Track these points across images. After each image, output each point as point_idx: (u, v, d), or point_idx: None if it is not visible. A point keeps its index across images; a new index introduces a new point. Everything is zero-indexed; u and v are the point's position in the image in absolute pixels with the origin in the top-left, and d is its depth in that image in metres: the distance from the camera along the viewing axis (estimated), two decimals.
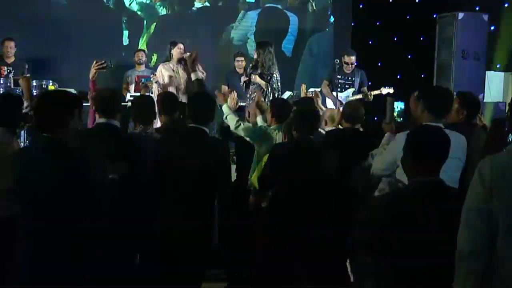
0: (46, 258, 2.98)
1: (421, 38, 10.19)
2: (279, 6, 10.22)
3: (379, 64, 10.04)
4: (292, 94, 7.65)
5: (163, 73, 7.18)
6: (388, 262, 2.70)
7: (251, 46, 9.70)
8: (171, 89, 7.06)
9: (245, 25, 10.14)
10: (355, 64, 8.01)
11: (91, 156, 3.07)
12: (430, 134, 2.81)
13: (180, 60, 7.25)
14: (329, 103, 8.10)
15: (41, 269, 2.98)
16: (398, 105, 4.11)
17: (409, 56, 10.30)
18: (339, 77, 7.88)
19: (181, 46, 7.35)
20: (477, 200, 2.41)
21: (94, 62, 5.14)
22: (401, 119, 4.10)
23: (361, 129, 4.79)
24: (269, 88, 7.19)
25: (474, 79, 8.80)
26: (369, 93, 7.82)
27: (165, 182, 3.89)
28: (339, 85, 7.85)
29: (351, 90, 7.87)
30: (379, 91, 7.88)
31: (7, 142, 3.95)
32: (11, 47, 7.94)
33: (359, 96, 7.84)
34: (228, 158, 4.10)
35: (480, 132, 4.47)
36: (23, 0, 9.35)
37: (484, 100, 8.78)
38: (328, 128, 5.21)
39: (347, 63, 7.91)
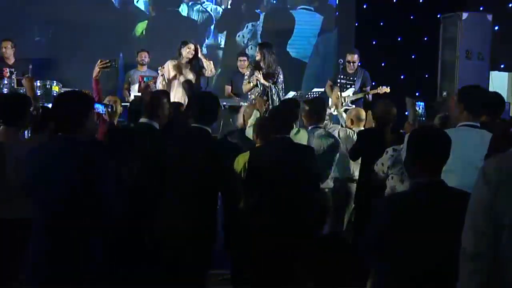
0: (59, 257, 3.00)
1: (425, 38, 10.18)
2: (288, 6, 10.22)
3: (382, 64, 10.04)
4: (296, 94, 7.65)
5: (169, 68, 7.26)
6: (390, 262, 2.69)
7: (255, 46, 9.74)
8: (176, 86, 7.09)
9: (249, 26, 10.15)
10: (358, 63, 8.01)
11: (106, 156, 3.10)
12: (430, 135, 2.82)
13: (191, 60, 7.30)
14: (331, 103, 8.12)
15: (52, 269, 3.00)
16: (420, 105, 4.12)
17: (412, 56, 10.29)
18: (342, 77, 8.01)
19: (191, 46, 7.38)
20: (482, 200, 2.40)
21: (99, 61, 5.14)
22: (423, 119, 4.11)
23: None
24: (274, 89, 7.26)
25: (478, 79, 8.76)
26: (367, 93, 7.87)
27: (166, 181, 3.89)
28: (341, 85, 7.95)
29: (351, 90, 7.89)
30: (376, 90, 7.92)
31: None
32: (7, 47, 7.91)
33: (359, 95, 7.86)
34: (230, 159, 4.08)
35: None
36: (26, 0, 9.35)
37: None
38: (356, 128, 5.19)
39: (349, 62, 7.97)
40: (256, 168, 4.11)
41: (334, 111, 6.99)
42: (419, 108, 4.10)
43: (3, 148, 3.79)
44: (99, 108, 4.74)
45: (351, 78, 7.99)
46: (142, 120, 4.44)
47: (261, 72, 7.31)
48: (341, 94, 7.68)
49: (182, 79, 7.34)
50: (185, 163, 3.83)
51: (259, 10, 10.15)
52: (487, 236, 2.36)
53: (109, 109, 4.76)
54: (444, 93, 8.94)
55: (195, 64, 7.42)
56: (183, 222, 3.79)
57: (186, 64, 7.40)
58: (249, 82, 7.46)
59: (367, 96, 7.86)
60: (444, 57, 9.31)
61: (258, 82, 7.33)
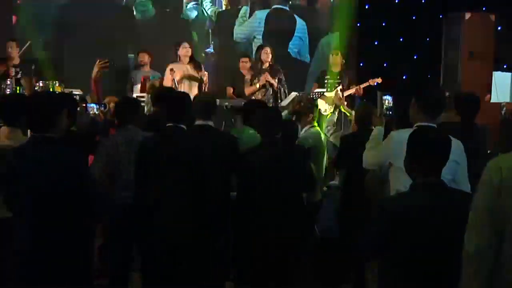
0: (41, 256, 3.02)
1: (427, 39, 10.17)
2: (287, 8, 10.21)
3: (385, 65, 10.02)
4: (297, 94, 7.65)
5: (175, 71, 7.25)
6: (392, 264, 2.69)
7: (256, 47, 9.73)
8: (184, 88, 7.09)
9: (252, 25, 10.13)
10: (342, 62, 8.09)
11: (82, 153, 3.21)
12: (430, 136, 2.81)
13: (191, 59, 7.31)
14: (321, 104, 8.16)
15: (36, 269, 3.02)
16: (387, 99, 4.13)
17: (415, 57, 10.28)
18: (328, 77, 8.12)
19: (186, 44, 7.37)
20: (485, 200, 2.40)
21: (97, 61, 5.15)
22: (390, 112, 4.12)
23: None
24: (281, 88, 7.37)
25: (481, 79, 8.76)
26: (358, 87, 7.90)
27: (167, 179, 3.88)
28: (328, 85, 8.05)
29: (339, 89, 7.92)
30: (367, 83, 7.97)
31: None
32: (12, 47, 7.94)
33: (352, 91, 7.89)
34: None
35: (480, 132, 4.50)
36: (31, 1, 9.37)
37: (491, 101, 8.74)
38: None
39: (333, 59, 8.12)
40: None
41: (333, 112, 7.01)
42: (387, 102, 4.11)
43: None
44: (94, 107, 4.76)
45: (338, 77, 8.04)
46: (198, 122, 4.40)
47: (268, 73, 7.37)
48: (343, 94, 7.69)
49: (186, 81, 7.32)
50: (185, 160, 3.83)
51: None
52: (489, 236, 2.36)
53: (102, 108, 4.77)
54: (447, 94, 8.91)
55: (195, 61, 7.43)
56: (187, 220, 3.79)
57: (188, 64, 7.39)
58: (251, 85, 7.47)
59: (359, 90, 7.89)
60: (447, 58, 9.30)
61: (264, 83, 7.35)
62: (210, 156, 3.90)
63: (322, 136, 5.31)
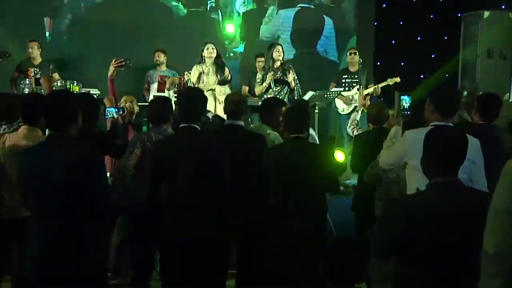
0: (55, 255, 3.03)
1: (445, 38, 10.10)
2: (312, 6, 10.21)
3: (402, 63, 9.97)
4: (314, 93, 7.64)
5: (194, 72, 7.32)
6: (407, 264, 2.67)
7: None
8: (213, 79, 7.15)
9: (276, 24, 10.14)
10: (360, 61, 8.08)
11: (98, 152, 3.20)
12: (447, 135, 2.80)
13: (215, 60, 7.35)
14: (339, 103, 8.14)
15: (48, 268, 3.03)
16: (404, 99, 4.11)
17: (433, 56, 10.21)
18: (345, 76, 8.15)
19: (209, 46, 7.42)
20: (504, 200, 2.38)
21: (113, 60, 5.15)
22: (408, 113, 4.11)
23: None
24: (295, 87, 7.41)
25: (499, 78, 8.69)
26: (376, 87, 7.90)
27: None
28: (346, 84, 8.05)
29: (357, 88, 7.90)
30: (385, 82, 7.97)
31: None
32: (33, 48, 8.05)
33: (370, 90, 7.89)
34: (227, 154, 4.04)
35: (497, 133, 4.47)
36: (49, 1, 9.46)
37: (510, 100, 8.66)
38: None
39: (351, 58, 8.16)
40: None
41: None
42: (405, 102, 4.09)
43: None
44: (112, 111, 4.75)
45: (356, 76, 8.00)
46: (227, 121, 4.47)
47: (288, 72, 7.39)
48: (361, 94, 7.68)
49: (203, 84, 7.36)
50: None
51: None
52: (509, 236, 2.34)
53: (121, 112, 4.76)
54: (465, 93, 8.85)
55: (218, 63, 7.45)
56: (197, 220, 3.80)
57: (211, 66, 7.42)
58: (261, 84, 7.48)
59: (377, 89, 7.90)
60: (465, 56, 9.23)
61: (271, 82, 7.35)
62: (223, 156, 3.86)
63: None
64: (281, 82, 7.45)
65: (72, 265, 3.01)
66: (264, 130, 4.65)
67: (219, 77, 7.40)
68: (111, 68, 5.16)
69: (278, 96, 7.17)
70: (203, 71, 7.38)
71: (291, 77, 7.39)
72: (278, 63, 7.52)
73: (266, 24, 10.13)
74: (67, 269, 3.01)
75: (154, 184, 3.85)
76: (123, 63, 5.16)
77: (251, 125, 6.91)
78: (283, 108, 4.70)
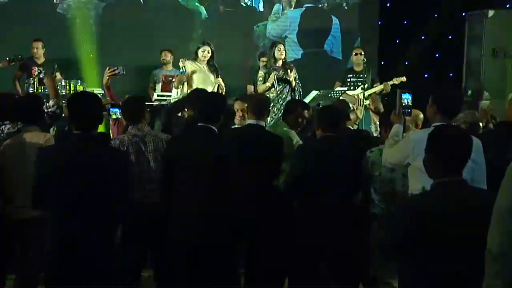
0: (73, 254, 3.07)
1: (450, 37, 10.08)
2: (322, 5, 10.24)
3: (406, 63, 9.96)
4: (318, 93, 7.63)
5: (186, 67, 7.23)
6: (413, 263, 2.67)
7: (289, 46, 9.80)
8: (197, 84, 7.09)
9: (283, 24, 10.15)
10: (364, 61, 8.05)
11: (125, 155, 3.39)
12: (450, 134, 2.79)
13: (208, 61, 7.31)
14: None
15: (68, 264, 3.08)
16: (406, 97, 4.11)
17: (437, 55, 10.19)
18: (350, 76, 8.17)
19: (206, 47, 7.39)
20: (508, 200, 2.37)
21: (107, 69, 5.19)
22: (409, 110, 4.10)
23: None
24: (296, 87, 7.41)
25: (504, 77, 8.66)
26: (386, 83, 7.96)
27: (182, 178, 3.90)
28: (351, 84, 8.06)
29: (361, 87, 7.90)
30: (392, 81, 8.01)
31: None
32: (38, 48, 8.07)
33: (377, 88, 7.91)
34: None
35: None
36: (53, 1, 9.49)
37: None
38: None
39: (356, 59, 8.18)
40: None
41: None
42: (406, 100, 4.09)
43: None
44: (117, 111, 4.77)
45: (361, 76, 8.01)
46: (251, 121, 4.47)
47: (290, 72, 7.39)
48: (364, 93, 7.68)
49: (201, 77, 7.32)
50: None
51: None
52: None
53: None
54: (469, 92, 8.84)
55: (212, 65, 7.42)
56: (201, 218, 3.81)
57: (205, 66, 7.40)
58: (263, 83, 7.48)
59: (387, 86, 7.93)
60: (470, 56, 9.20)
61: (274, 81, 7.36)
62: (235, 157, 3.88)
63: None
64: (283, 81, 7.46)
65: (105, 261, 3.10)
66: (281, 128, 4.82)
67: (215, 76, 7.39)
68: (106, 77, 5.20)
69: (280, 95, 7.19)
70: (200, 69, 7.34)
71: (292, 76, 7.40)
72: (280, 62, 7.52)
73: (273, 23, 10.14)
74: (84, 269, 3.08)
75: (167, 184, 3.86)
76: (117, 71, 5.20)
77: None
78: (305, 111, 4.92)
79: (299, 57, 9.67)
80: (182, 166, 3.81)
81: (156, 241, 4.00)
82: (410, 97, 4.10)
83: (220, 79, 7.37)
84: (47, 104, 4.60)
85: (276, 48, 7.52)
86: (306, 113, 4.93)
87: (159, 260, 4.11)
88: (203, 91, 5.10)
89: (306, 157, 4.21)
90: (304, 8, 10.14)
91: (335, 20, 10.17)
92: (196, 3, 9.94)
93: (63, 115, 4.86)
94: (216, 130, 3.90)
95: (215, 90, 7.20)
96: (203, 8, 9.97)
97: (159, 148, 4.07)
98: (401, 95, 4.09)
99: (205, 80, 7.24)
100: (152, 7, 9.84)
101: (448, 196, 2.66)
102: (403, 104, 4.08)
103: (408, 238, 2.65)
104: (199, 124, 3.89)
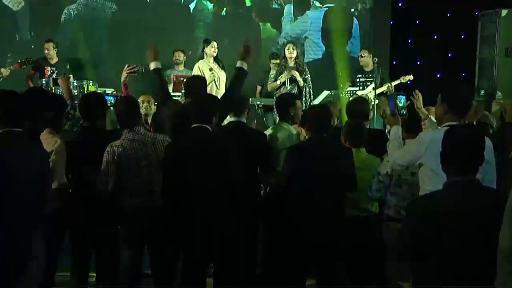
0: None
1: (462, 36, 10.02)
2: (339, 5, 10.25)
3: (418, 63, 9.91)
4: (329, 93, 7.64)
5: (201, 68, 7.29)
6: (429, 262, 2.66)
7: (309, 46, 9.90)
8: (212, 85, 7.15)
9: (303, 25, 10.15)
10: (375, 60, 7.99)
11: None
12: (463, 134, 2.77)
13: (216, 58, 7.35)
14: None
15: None
16: (400, 99, 4.11)
17: (449, 55, 10.14)
18: (359, 76, 8.18)
19: (215, 44, 7.41)
20: None
21: (126, 66, 5.23)
22: (404, 112, 4.10)
23: None
24: (306, 88, 7.39)
25: None
26: (389, 84, 7.92)
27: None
28: (361, 84, 8.07)
29: (372, 87, 7.89)
30: (399, 80, 7.99)
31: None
32: (49, 48, 8.13)
33: (383, 88, 7.90)
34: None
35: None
36: (65, 1, 9.53)
37: None
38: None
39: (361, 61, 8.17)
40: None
41: None
42: (400, 102, 4.08)
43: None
44: None
45: (370, 75, 7.99)
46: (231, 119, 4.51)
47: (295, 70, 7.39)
48: (376, 93, 7.66)
49: (213, 76, 7.36)
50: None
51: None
52: None
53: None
54: (482, 92, 8.79)
55: (219, 61, 7.47)
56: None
57: (214, 62, 7.44)
58: (274, 81, 7.50)
59: (390, 87, 7.89)
60: (482, 55, 9.14)
61: (286, 80, 7.37)
62: (235, 154, 3.92)
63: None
64: (292, 81, 7.48)
65: None
66: (281, 127, 4.73)
67: (224, 73, 7.42)
68: (124, 74, 5.24)
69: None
70: (210, 67, 7.38)
71: (299, 76, 7.38)
72: (292, 62, 7.53)
73: (288, 24, 10.12)
74: None
75: (168, 185, 3.88)
76: (136, 69, 5.24)
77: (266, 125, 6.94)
78: (297, 102, 4.84)
79: (320, 56, 9.73)
80: (182, 166, 3.84)
81: (156, 243, 4.01)
82: (404, 99, 4.13)
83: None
84: None
85: (285, 48, 7.63)
86: (298, 103, 4.84)
87: (159, 260, 4.10)
88: (200, 86, 4.99)
89: (296, 157, 4.19)
90: (325, 8, 10.16)
91: (355, 20, 10.20)
92: (208, 3, 9.97)
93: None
94: (210, 129, 3.91)
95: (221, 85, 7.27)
96: (212, 8, 10.00)
97: (158, 151, 3.99)
98: (396, 96, 4.11)
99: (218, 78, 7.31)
100: (166, 7, 9.87)
101: (459, 196, 2.66)
102: (398, 106, 4.10)
103: (420, 238, 2.64)
104: (193, 125, 3.91)
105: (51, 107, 3.95)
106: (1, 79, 7.55)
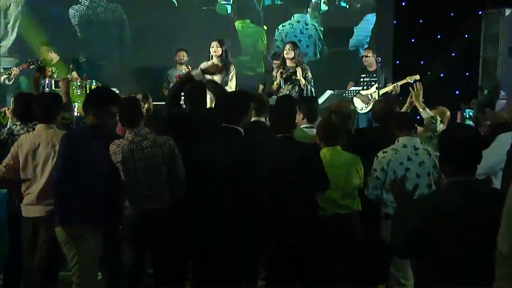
0: None
1: (466, 36, 10.00)
2: (345, 5, 10.24)
3: (421, 62, 9.90)
4: (333, 93, 7.62)
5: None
6: (427, 262, 2.66)
7: (312, 45, 9.91)
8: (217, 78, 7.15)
9: (303, 24, 10.12)
10: (378, 60, 8.00)
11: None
12: (462, 135, 2.76)
13: (221, 58, 7.36)
14: (357, 102, 8.11)
15: None
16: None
17: (453, 54, 10.12)
18: (363, 75, 8.19)
19: (215, 44, 7.44)
20: None
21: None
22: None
23: None
24: (308, 86, 7.38)
25: None
26: (395, 84, 7.93)
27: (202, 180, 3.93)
28: (364, 83, 8.09)
29: (375, 86, 7.89)
30: (405, 80, 7.97)
31: None
32: (51, 52, 8.19)
33: (389, 88, 7.91)
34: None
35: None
36: (69, 1, 9.56)
37: None
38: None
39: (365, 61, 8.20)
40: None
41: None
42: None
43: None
44: None
45: (374, 75, 8.00)
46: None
47: (299, 70, 7.38)
48: (379, 93, 7.66)
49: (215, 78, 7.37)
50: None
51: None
52: None
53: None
54: (485, 92, 8.77)
55: (225, 62, 7.46)
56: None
57: (219, 62, 7.43)
58: (273, 82, 7.51)
59: (396, 87, 7.92)
60: (486, 55, 9.13)
61: (281, 81, 7.38)
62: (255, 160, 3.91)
63: None
64: (290, 80, 7.47)
65: None
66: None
67: (224, 76, 7.42)
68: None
69: (290, 94, 7.22)
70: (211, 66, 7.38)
71: (299, 75, 7.39)
72: (290, 62, 7.52)
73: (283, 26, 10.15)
74: None
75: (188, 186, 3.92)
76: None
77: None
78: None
79: (320, 56, 9.76)
80: (203, 168, 3.87)
81: (155, 243, 4.01)
82: None
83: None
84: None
85: (284, 48, 7.65)
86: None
87: (159, 261, 4.11)
88: (199, 94, 4.94)
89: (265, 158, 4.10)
90: (326, 9, 10.16)
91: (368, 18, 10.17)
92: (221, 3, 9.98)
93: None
94: (242, 131, 3.91)
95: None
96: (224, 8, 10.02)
97: (156, 153, 3.92)
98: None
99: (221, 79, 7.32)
100: (168, 6, 9.88)
101: (458, 196, 2.65)
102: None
103: (418, 237, 2.64)
104: (223, 124, 3.92)
105: None
106: (13, 78, 7.82)
